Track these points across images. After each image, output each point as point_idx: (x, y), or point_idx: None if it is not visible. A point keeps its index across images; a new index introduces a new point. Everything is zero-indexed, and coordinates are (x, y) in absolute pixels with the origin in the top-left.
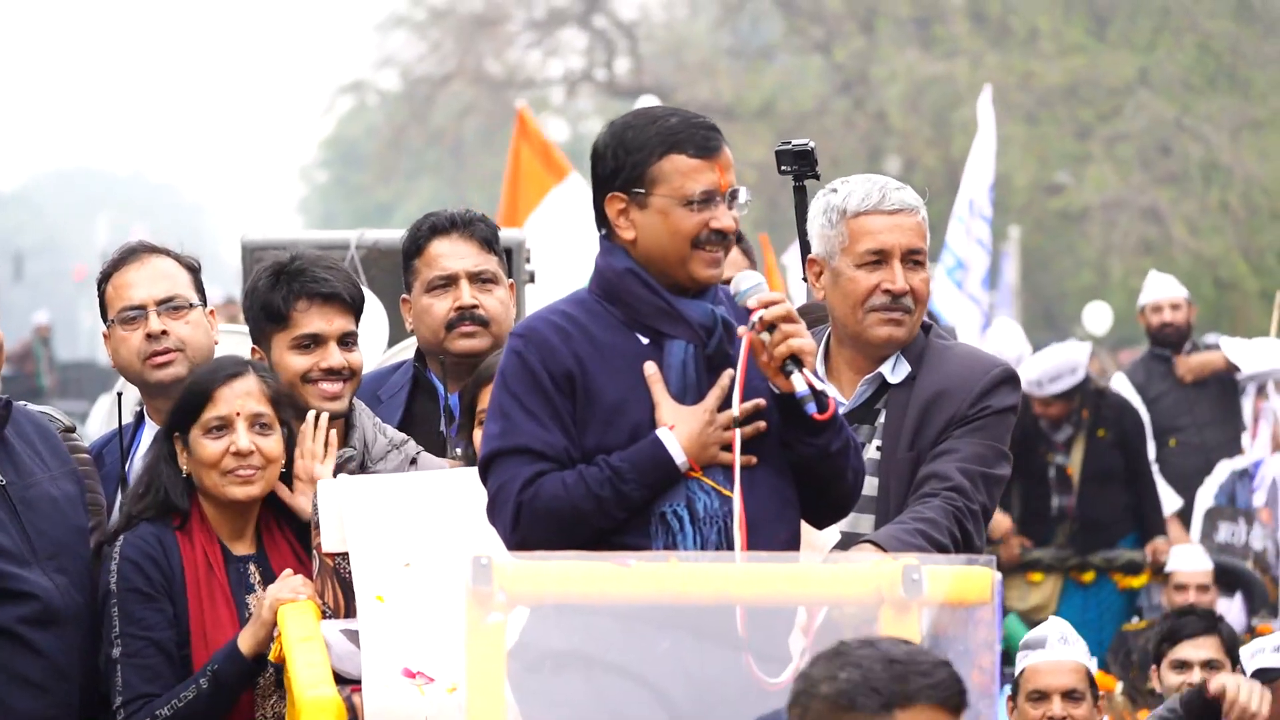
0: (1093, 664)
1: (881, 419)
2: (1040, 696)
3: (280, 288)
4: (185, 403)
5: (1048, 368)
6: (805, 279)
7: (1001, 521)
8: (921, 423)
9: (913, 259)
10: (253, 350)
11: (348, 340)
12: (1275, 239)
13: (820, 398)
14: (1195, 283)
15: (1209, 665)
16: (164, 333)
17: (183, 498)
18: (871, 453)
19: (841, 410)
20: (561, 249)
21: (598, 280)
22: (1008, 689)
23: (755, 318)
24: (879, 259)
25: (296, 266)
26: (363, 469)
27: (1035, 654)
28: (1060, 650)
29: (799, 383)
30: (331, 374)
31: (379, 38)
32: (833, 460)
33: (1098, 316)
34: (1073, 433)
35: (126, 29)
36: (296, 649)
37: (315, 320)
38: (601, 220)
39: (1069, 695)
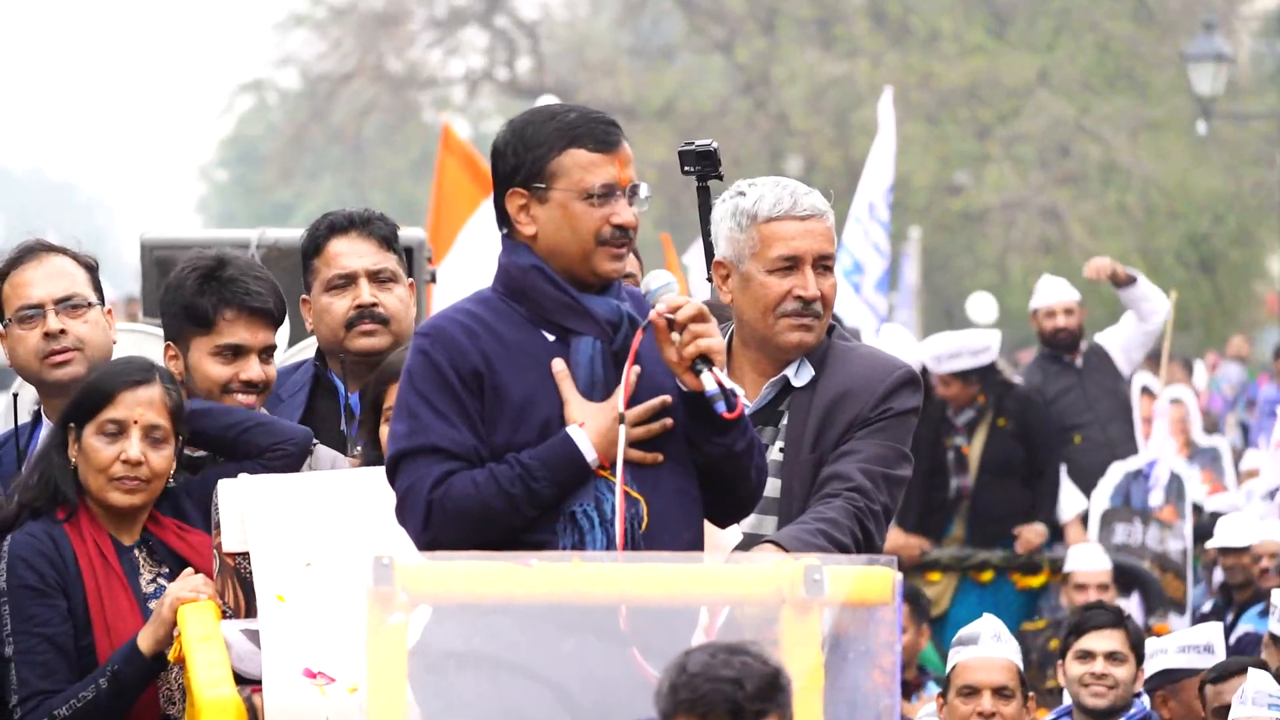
0: (1019, 660)
1: (785, 420)
2: (971, 692)
3: (209, 293)
4: (85, 398)
5: (949, 346)
6: (710, 279)
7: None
8: (824, 424)
9: (823, 264)
10: (167, 348)
11: (267, 354)
12: (1172, 240)
13: (729, 397)
14: (1093, 283)
15: (1112, 657)
16: (62, 332)
17: (71, 489)
18: (775, 454)
19: (746, 413)
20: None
21: (502, 278)
22: (934, 687)
23: (663, 320)
24: (790, 265)
25: (229, 274)
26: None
27: (968, 650)
28: (993, 647)
29: (709, 381)
30: (249, 386)
31: (279, 36)
32: (738, 460)
33: (982, 307)
34: (975, 417)
35: (22, 24)
36: (196, 649)
37: (241, 332)
38: (503, 218)
39: (999, 692)
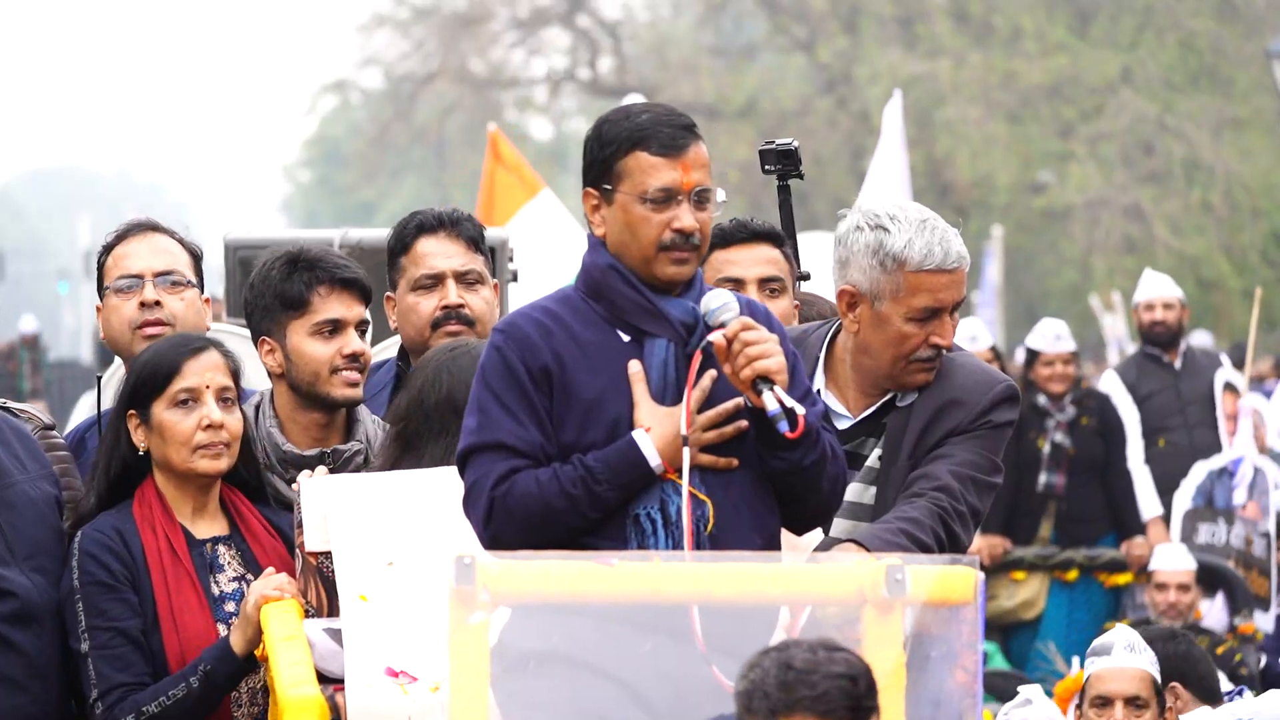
0: (1155, 670)
1: (886, 431)
2: (1104, 703)
3: (299, 274)
4: (149, 376)
5: (1056, 329)
6: (799, 278)
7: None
8: (923, 434)
9: (956, 307)
10: (261, 343)
11: (362, 329)
12: (1257, 238)
13: (791, 415)
14: (1177, 281)
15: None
16: (158, 303)
17: (138, 477)
18: (873, 462)
19: (848, 424)
20: (535, 266)
21: (583, 276)
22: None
23: (723, 342)
24: (931, 314)
25: (312, 255)
26: (367, 463)
27: (1101, 660)
28: (1126, 657)
29: (770, 401)
30: (353, 361)
31: (362, 37)
32: (806, 474)
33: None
34: (1075, 414)
35: (109, 28)
36: (279, 648)
37: (336, 306)
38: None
39: (1132, 702)
